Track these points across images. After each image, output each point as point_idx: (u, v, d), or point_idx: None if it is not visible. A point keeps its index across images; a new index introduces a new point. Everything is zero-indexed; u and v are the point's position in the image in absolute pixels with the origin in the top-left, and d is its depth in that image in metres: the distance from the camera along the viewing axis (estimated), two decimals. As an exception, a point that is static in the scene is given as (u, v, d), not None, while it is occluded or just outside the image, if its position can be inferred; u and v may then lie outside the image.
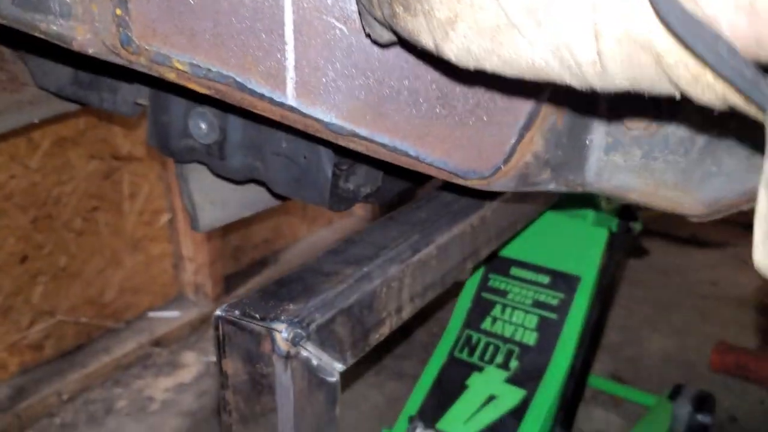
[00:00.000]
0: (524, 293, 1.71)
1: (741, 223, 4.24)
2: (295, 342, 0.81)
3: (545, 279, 1.70)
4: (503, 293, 1.75)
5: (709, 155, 0.77)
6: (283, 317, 0.84)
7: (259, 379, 0.84)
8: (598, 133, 0.81)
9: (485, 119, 0.74)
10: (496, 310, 1.74)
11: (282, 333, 0.81)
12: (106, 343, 2.89)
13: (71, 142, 2.66)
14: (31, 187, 2.57)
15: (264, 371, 0.83)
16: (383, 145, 0.75)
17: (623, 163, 0.81)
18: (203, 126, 1.08)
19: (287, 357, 0.81)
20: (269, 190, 1.18)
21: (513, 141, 0.75)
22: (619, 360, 2.87)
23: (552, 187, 0.82)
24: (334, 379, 0.87)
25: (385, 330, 0.98)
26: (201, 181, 1.33)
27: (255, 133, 1.05)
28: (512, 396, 1.62)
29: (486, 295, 1.77)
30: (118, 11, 0.69)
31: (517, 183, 0.80)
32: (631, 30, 0.43)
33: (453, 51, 0.53)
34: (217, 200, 1.37)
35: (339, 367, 0.88)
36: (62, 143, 2.63)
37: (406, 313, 1.00)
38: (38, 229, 2.63)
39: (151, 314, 3.10)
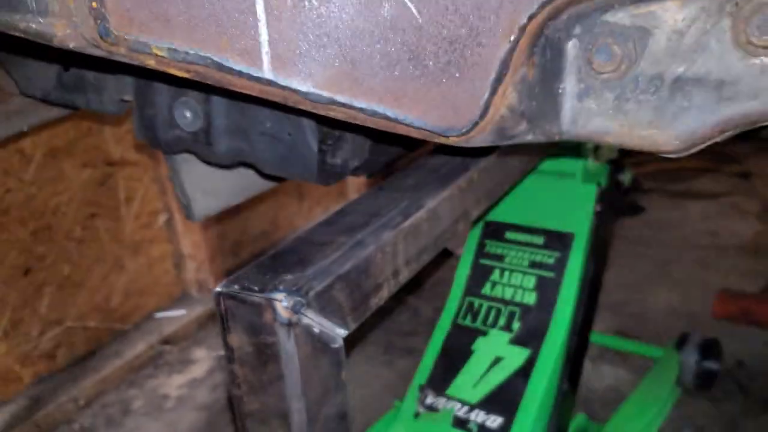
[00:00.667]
0: (521, 255, 1.74)
1: (736, 173, 4.28)
2: (295, 309, 0.84)
3: (540, 239, 1.73)
4: (500, 257, 1.78)
5: (678, 91, 0.80)
6: (281, 287, 0.86)
7: (264, 349, 0.87)
8: (570, 81, 0.83)
9: (458, 76, 0.76)
10: (495, 275, 1.76)
11: (282, 302, 0.84)
12: (117, 346, 2.93)
13: (63, 152, 2.69)
14: (27, 199, 2.59)
15: (268, 341, 0.86)
16: (362, 110, 0.77)
17: (597, 108, 0.83)
18: (188, 114, 1.11)
19: (289, 325, 0.83)
20: (258, 171, 1.21)
21: (486, 95, 0.78)
22: (624, 317, 2.90)
23: (530, 138, 0.85)
24: (338, 344, 0.90)
25: (383, 294, 1.01)
26: (192, 171, 1.35)
27: (239, 116, 1.08)
28: (518, 356, 1.65)
29: (484, 261, 1.80)
30: (94, 4, 0.72)
31: (495, 137, 0.83)
32: None
33: None
34: (209, 189, 1.39)
35: (341, 332, 0.91)
36: (55, 154, 2.66)
37: (403, 277, 1.03)
38: (39, 241, 2.65)
39: (158, 315, 3.13)
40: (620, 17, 0.79)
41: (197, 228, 3.19)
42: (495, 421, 1.61)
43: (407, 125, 0.79)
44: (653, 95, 0.81)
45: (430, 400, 1.75)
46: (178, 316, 3.13)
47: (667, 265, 3.28)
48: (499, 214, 1.81)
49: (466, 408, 1.66)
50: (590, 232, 1.70)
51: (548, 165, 1.75)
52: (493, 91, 0.78)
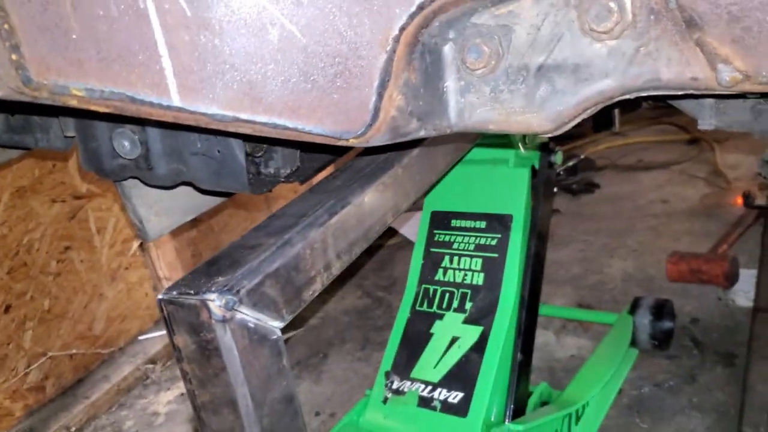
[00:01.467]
0: (467, 240, 1.85)
1: (685, 141, 4.41)
2: (228, 307, 0.94)
3: (482, 224, 1.83)
4: (449, 244, 1.88)
5: (543, 78, 0.90)
6: (214, 288, 0.96)
7: (205, 345, 0.96)
8: (451, 80, 0.93)
9: (345, 86, 0.87)
10: (445, 261, 1.87)
11: (215, 301, 0.94)
12: (104, 371, 3.01)
13: (30, 191, 2.77)
14: (0, 240, 2.67)
15: (208, 337, 0.95)
16: (264, 124, 0.87)
17: (477, 101, 0.94)
18: (126, 143, 1.20)
19: (224, 321, 0.93)
20: (197, 188, 1.31)
21: (374, 100, 0.88)
22: (582, 289, 3.02)
23: (423, 133, 0.95)
24: (276, 335, 1.00)
25: (317, 286, 1.10)
26: (142, 195, 1.45)
27: (172, 140, 1.17)
28: (472, 334, 1.76)
29: (434, 249, 1.91)
30: (14, 56, 0.81)
31: (391, 135, 0.93)
32: None
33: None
34: (161, 210, 1.48)
35: (277, 324, 1.01)
36: (22, 193, 2.74)
37: (336, 269, 1.12)
38: (15, 279, 2.73)
39: (142, 337, 3.22)
40: (485, 18, 0.89)
41: (171, 249, 3.28)
42: (456, 396, 1.72)
43: (308, 133, 0.89)
44: (522, 84, 0.92)
45: (396, 384, 1.85)
46: (161, 336, 3.21)
47: (622, 235, 3.40)
48: (443, 204, 1.91)
49: (429, 388, 1.77)
50: (527, 212, 1.81)
51: (483, 154, 1.86)
52: (380, 96, 0.88)
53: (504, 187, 1.82)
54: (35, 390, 2.82)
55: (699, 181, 3.76)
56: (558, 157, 1.90)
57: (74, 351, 2.93)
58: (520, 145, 1.83)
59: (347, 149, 1.35)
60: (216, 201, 1.53)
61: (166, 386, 2.97)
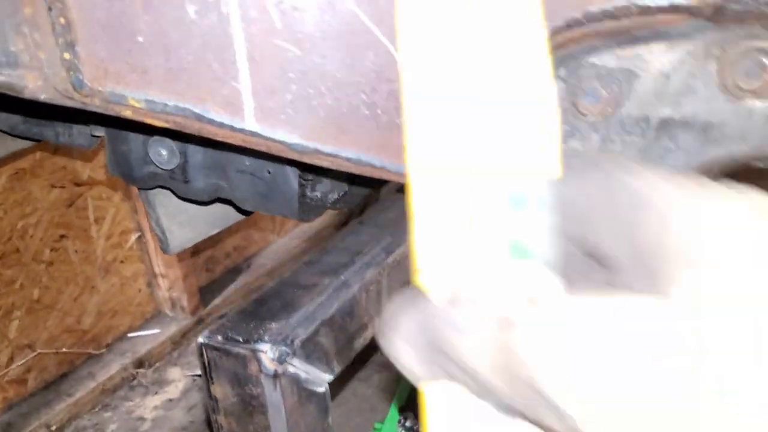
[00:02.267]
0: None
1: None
2: (281, 360, 0.82)
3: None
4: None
5: (665, 133, 0.79)
6: (266, 337, 0.84)
7: (249, 400, 0.85)
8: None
9: (444, 123, 0.75)
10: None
11: (267, 353, 0.82)
12: (90, 368, 2.87)
13: (30, 174, 2.63)
14: (-6, 223, 2.53)
15: (253, 392, 0.84)
16: (348, 159, 0.75)
17: (582, 149, 0.83)
18: (163, 152, 1.08)
19: (275, 376, 0.81)
20: (236, 207, 1.18)
21: (474, 141, 0.77)
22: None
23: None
24: (323, 389, 0.88)
25: (368, 334, 0.99)
26: (167, 203, 1.32)
27: (216, 154, 1.05)
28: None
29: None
30: (67, 55, 0.69)
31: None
32: None
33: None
34: (185, 221, 1.36)
35: (327, 377, 0.89)
36: (21, 176, 2.60)
37: (387, 315, 1.01)
38: (6, 265, 2.59)
39: (131, 335, 3.08)
40: (606, 59, 0.78)
41: (169, 245, 3.14)
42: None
43: (394, 173, 0.78)
44: (639, 137, 0.80)
45: (410, 422, 1.75)
46: (151, 335, 3.08)
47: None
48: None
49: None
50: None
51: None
52: (479, 138, 0.77)
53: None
54: (16, 383, 2.67)
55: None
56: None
57: (63, 349, 2.79)
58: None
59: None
60: (242, 216, 1.41)
61: (153, 390, 2.83)
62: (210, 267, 3.49)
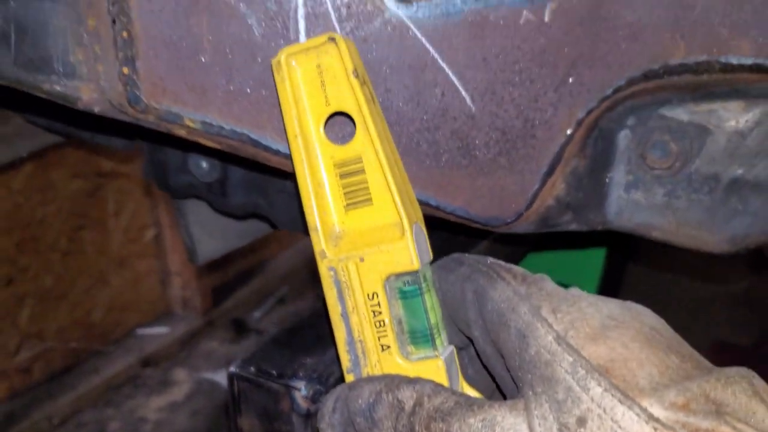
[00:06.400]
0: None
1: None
2: (314, 399, 0.79)
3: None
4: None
5: (734, 194, 0.76)
6: (301, 373, 0.81)
7: (277, 437, 0.81)
8: (618, 171, 0.79)
9: (507, 167, 0.72)
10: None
11: (301, 391, 0.79)
12: (96, 363, 2.85)
13: (54, 162, 2.61)
14: (14, 209, 2.51)
15: (282, 429, 0.81)
16: (403, 197, 0.72)
17: (644, 202, 0.79)
18: (204, 165, 1.05)
19: (307, 415, 0.78)
20: (272, 224, 1.15)
21: (535, 188, 0.73)
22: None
23: (573, 227, 0.80)
24: (354, 429, 0.85)
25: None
26: (198, 212, 1.30)
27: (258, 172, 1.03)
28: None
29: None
30: (125, 70, 0.66)
31: (537, 226, 0.79)
32: None
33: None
34: (215, 231, 1.34)
35: (358, 417, 0.85)
36: (45, 163, 2.58)
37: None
38: (23, 252, 2.58)
39: (140, 331, 3.05)
40: (678, 113, 0.75)
41: (186, 244, 3.12)
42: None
43: (449, 213, 0.75)
44: (707, 195, 0.77)
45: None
46: (160, 333, 3.05)
47: (659, 312, 3.24)
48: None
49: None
50: (598, 291, 1.67)
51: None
52: (543, 183, 0.74)
53: (577, 260, 1.68)
54: (22, 372, 2.65)
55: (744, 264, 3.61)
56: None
57: (71, 344, 2.76)
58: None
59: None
60: (270, 229, 1.39)
61: (158, 390, 2.80)
62: (225, 268, 3.46)
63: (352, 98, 0.57)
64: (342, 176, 0.59)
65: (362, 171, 0.59)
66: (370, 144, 0.57)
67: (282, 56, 0.59)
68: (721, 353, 2.64)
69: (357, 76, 0.57)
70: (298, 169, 0.60)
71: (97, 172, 2.79)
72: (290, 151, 0.61)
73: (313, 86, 0.58)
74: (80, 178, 2.73)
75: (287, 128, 0.60)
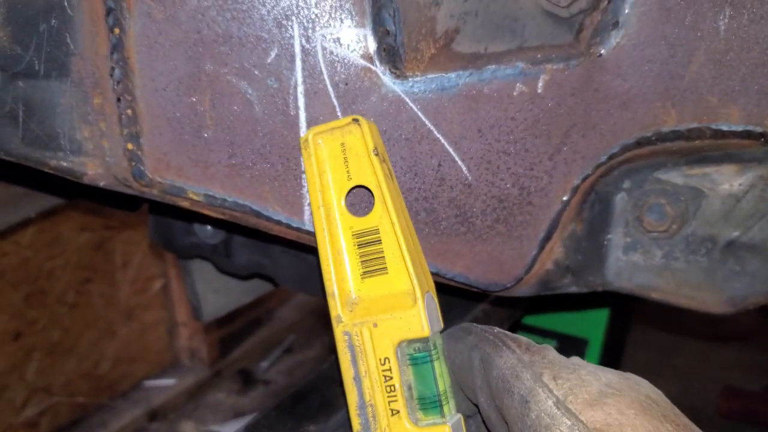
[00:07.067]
0: (532, 359, 1.70)
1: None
2: (319, 466, 0.79)
3: (553, 343, 1.68)
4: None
5: (731, 255, 0.77)
6: (303, 442, 0.81)
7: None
8: (616, 233, 0.80)
9: (505, 234, 0.73)
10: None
11: (304, 460, 0.79)
12: (103, 417, 2.83)
13: (62, 216, 2.63)
14: (22, 263, 2.53)
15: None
16: (403, 264, 0.73)
17: (643, 263, 0.80)
18: (208, 228, 1.07)
19: (310, 484, 0.78)
20: (274, 283, 1.16)
21: (534, 253, 0.74)
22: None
23: (573, 289, 0.81)
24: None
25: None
26: (203, 270, 1.31)
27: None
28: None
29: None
30: (130, 146, 0.68)
31: (537, 289, 0.79)
32: None
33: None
34: (220, 289, 1.35)
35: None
36: (53, 217, 2.60)
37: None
38: (31, 305, 2.58)
39: (147, 383, 3.04)
40: (673, 176, 0.76)
41: (192, 294, 3.12)
42: None
43: (449, 279, 0.75)
44: (704, 257, 0.78)
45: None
46: (167, 385, 3.04)
47: (669, 355, 3.22)
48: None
49: None
50: (604, 339, 1.66)
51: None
52: (541, 248, 0.75)
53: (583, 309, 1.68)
54: (29, 426, 2.64)
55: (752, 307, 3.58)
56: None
57: (77, 393, 2.75)
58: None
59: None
60: (273, 287, 1.40)
61: (165, 443, 2.78)
62: (232, 318, 3.46)
63: (372, 174, 0.61)
64: (360, 246, 0.62)
65: (379, 241, 0.61)
66: (387, 216, 0.60)
67: (310, 135, 0.62)
68: (732, 399, 2.60)
69: (377, 155, 0.60)
70: (319, 238, 0.63)
71: (105, 224, 2.81)
72: (313, 221, 0.64)
73: (337, 162, 0.62)
74: (88, 231, 2.75)
75: (311, 199, 0.63)
